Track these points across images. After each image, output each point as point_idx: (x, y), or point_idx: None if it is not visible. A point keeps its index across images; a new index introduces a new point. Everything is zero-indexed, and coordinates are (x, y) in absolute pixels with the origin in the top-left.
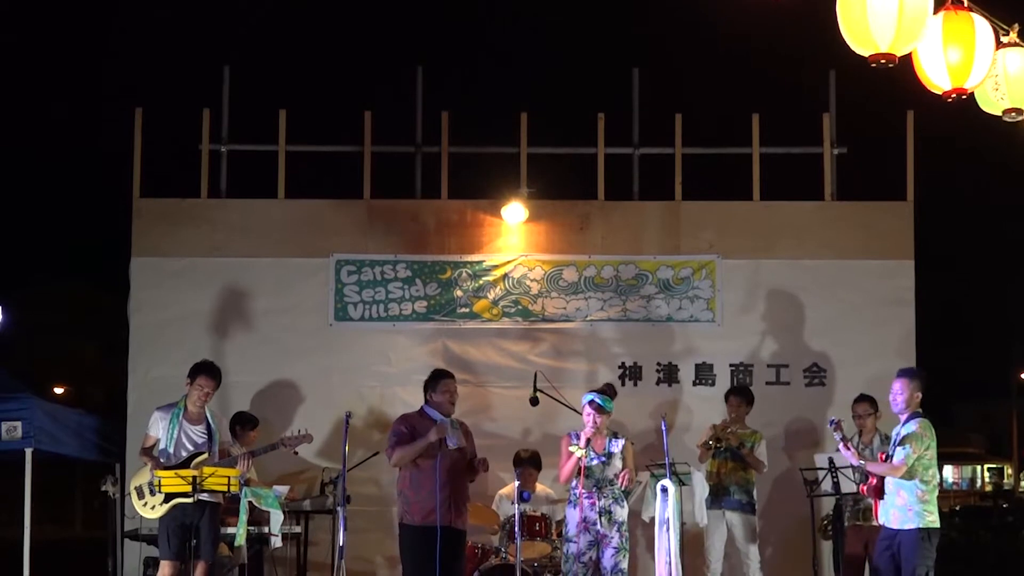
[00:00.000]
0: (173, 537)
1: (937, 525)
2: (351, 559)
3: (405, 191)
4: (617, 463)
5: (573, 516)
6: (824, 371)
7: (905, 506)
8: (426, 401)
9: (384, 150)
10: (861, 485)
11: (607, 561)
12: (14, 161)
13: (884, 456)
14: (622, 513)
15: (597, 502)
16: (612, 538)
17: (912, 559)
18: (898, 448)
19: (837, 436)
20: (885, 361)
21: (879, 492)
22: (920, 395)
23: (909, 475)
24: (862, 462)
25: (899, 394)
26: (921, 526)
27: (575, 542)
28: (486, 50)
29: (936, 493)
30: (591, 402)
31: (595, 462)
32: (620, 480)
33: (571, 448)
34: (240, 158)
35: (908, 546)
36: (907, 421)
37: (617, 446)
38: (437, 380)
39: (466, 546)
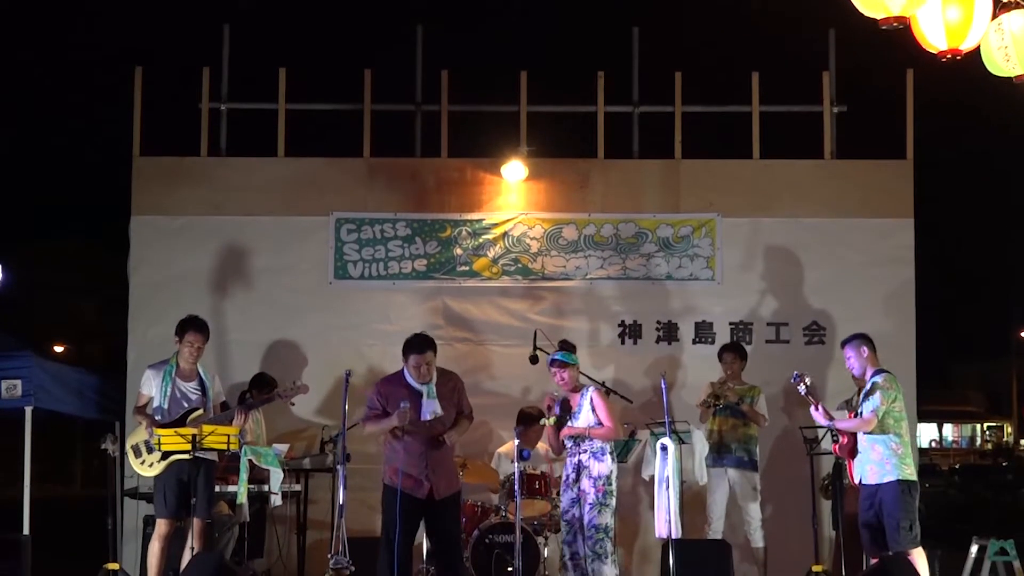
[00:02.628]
0: (169, 494)
1: (914, 479)
2: (351, 517)
3: (405, 149)
4: (587, 415)
5: (564, 475)
6: (824, 329)
7: (881, 460)
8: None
9: (384, 108)
10: (834, 445)
11: (585, 516)
12: (13, 119)
13: (853, 414)
14: (600, 467)
15: (573, 458)
16: (588, 493)
17: (895, 513)
18: (864, 402)
19: (802, 390)
20: (884, 319)
21: (852, 452)
22: (868, 351)
23: (881, 429)
24: (831, 422)
25: (851, 360)
26: (900, 478)
27: (562, 500)
28: (486, 8)
29: (910, 447)
30: (552, 362)
31: (573, 420)
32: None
33: (542, 422)
34: (240, 116)
35: (889, 500)
36: (872, 377)
37: (584, 397)
38: (407, 354)
39: (459, 508)
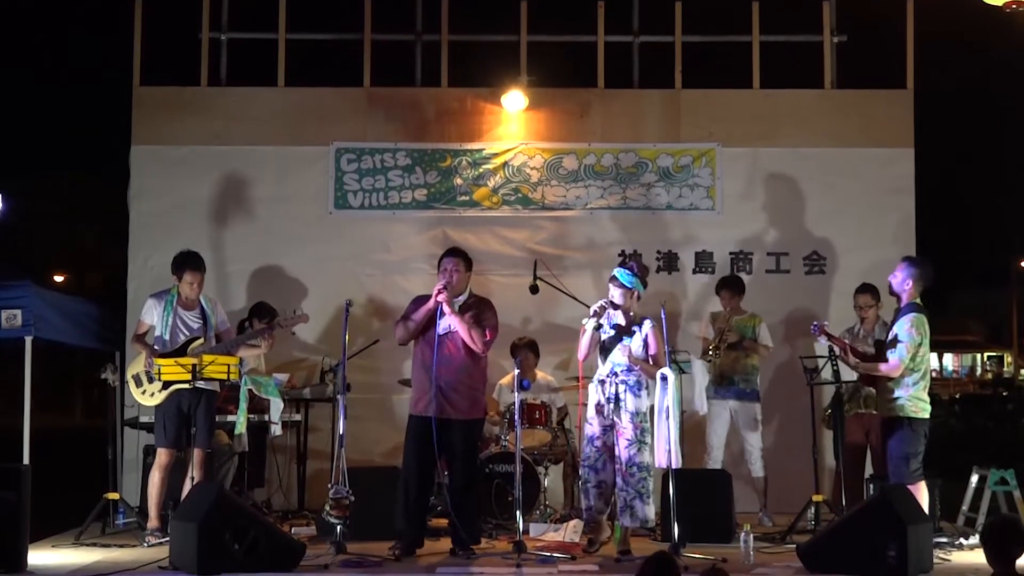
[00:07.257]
0: (170, 424)
1: (921, 416)
2: (351, 447)
3: (405, 79)
4: (639, 347)
5: (593, 396)
6: (824, 259)
7: (894, 395)
8: None
9: (384, 38)
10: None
11: (622, 452)
12: (14, 50)
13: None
14: (635, 403)
15: (608, 386)
16: (624, 428)
17: (891, 447)
18: (892, 350)
19: (823, 341)
20: (885, 249)
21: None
22: (913, 283)
23: None
24: (858, 368)
25: (896, 277)
26: (901, 415)
27: (590, 424)
28: None
29: (919, 386)
30: (611, 278)
31: (610, 336)
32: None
33: (583, 321)
34: (240, 46)
35: (888, 434)
36: (903, 314)
37: (641, 329)
38: (442, 258)
39: (475, 437)
